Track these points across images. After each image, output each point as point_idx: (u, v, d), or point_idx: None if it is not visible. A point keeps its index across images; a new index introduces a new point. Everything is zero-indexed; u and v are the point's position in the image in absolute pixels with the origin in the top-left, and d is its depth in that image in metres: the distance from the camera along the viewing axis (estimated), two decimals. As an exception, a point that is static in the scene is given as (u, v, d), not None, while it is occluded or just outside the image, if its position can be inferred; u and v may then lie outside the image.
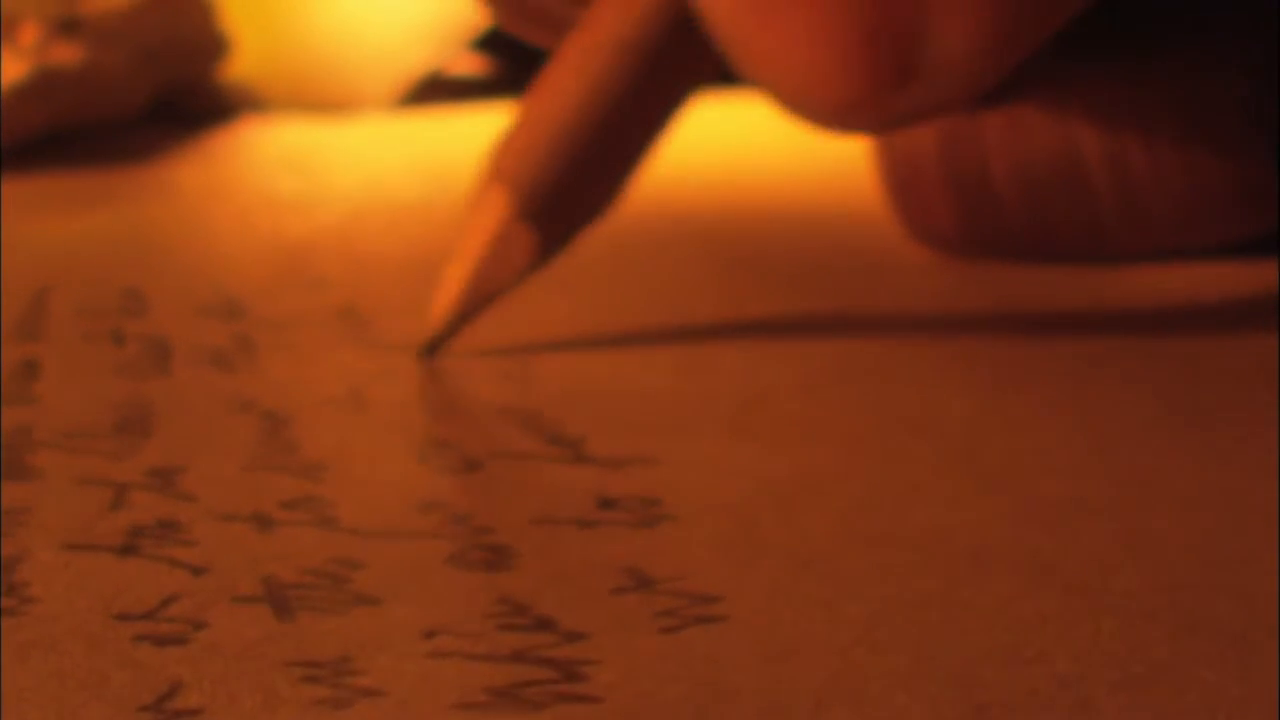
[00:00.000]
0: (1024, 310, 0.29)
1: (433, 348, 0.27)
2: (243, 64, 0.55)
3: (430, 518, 0.21)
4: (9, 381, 0.26)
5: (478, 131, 0.45)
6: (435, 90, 0.53)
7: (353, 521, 0.21)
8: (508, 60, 0.58)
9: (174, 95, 0.51)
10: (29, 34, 0.48)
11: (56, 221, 0.38)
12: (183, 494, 0.22)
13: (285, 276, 0.32)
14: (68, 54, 0.47)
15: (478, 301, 0.27)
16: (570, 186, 0.26)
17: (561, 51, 0.26)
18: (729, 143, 0.41)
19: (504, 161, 0.26)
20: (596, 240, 0.28)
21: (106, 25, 0.49)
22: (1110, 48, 0.30)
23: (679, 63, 0.26)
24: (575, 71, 0.26)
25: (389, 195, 0.39)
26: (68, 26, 0.48)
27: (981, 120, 0.31)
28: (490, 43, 0.55)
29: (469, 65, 0.58)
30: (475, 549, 0.20)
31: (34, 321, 0.30)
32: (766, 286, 0.31)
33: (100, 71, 0.47)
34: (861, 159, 0.33)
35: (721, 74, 0.25)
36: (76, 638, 0.18)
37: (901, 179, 0.32)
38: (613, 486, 0.22)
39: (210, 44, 0.54)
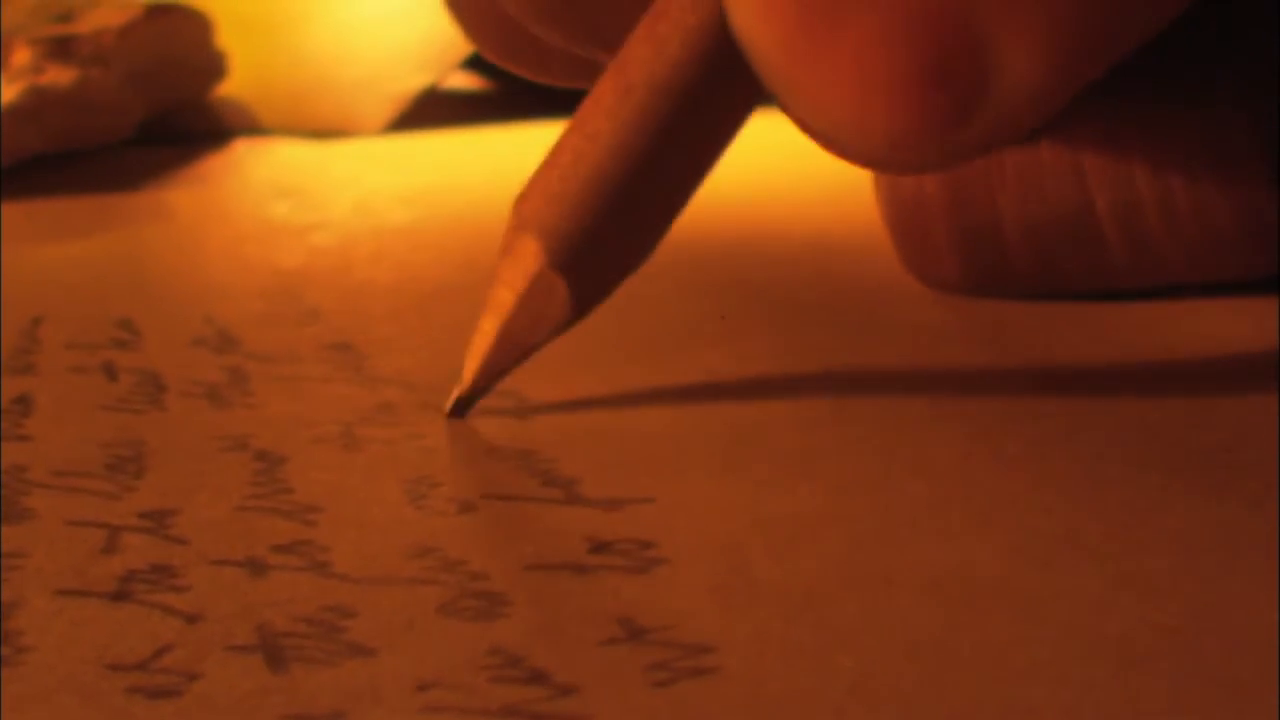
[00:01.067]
0: (1022, 346, 0.29)
1: (463, 407, 0.26)
2: (237, 84, 0.55)
3: (423, 563, 0.21)
4: (3, 418, 0.26)
5: (469, 155, 0.45)
6: (430, 108, 0.53)
7: (345, 567, 0.21)
8: (501, 78, 0.58)
9: (167, 116, 0.51)
10: (22, 56, 0.48)
11: (49, 248, 0.38)
12: (175, 537, 0.22)
13: (278, 308, 0.32)
14: (61, 75, 0.47)
15: (510, 358, 0.26)
16: (606, 236, 0.25)
17: (594, 92, 0.25)
18: (725, 170, 0.41)
19: (534, 208, 0.25)
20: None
21: (100, 46, 0.48)
22: (1122, 88, 0.30)
23: (719, 104, 0.24)
24: (608, 114, 0.24)
25: (380, 221, 0.39)
26: (61, 48, 0.48)
27: (993, 176, 0.31)
28: (484, 62, 0.55)
29: (463, 84, 0.58)
30: (468, 596, 0.20)
31: (26, 354, 0.30)
32: (762, 318, 0.31)
33: (93, 93, 0.47)
34: (862, 185, 0.33)
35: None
36: (70, 690, 0.18)
37: (906, 225, 0.32)
38: (606, 529, 0.22)
39: (204, 65, 0.54)
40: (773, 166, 0.37)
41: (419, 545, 0.21)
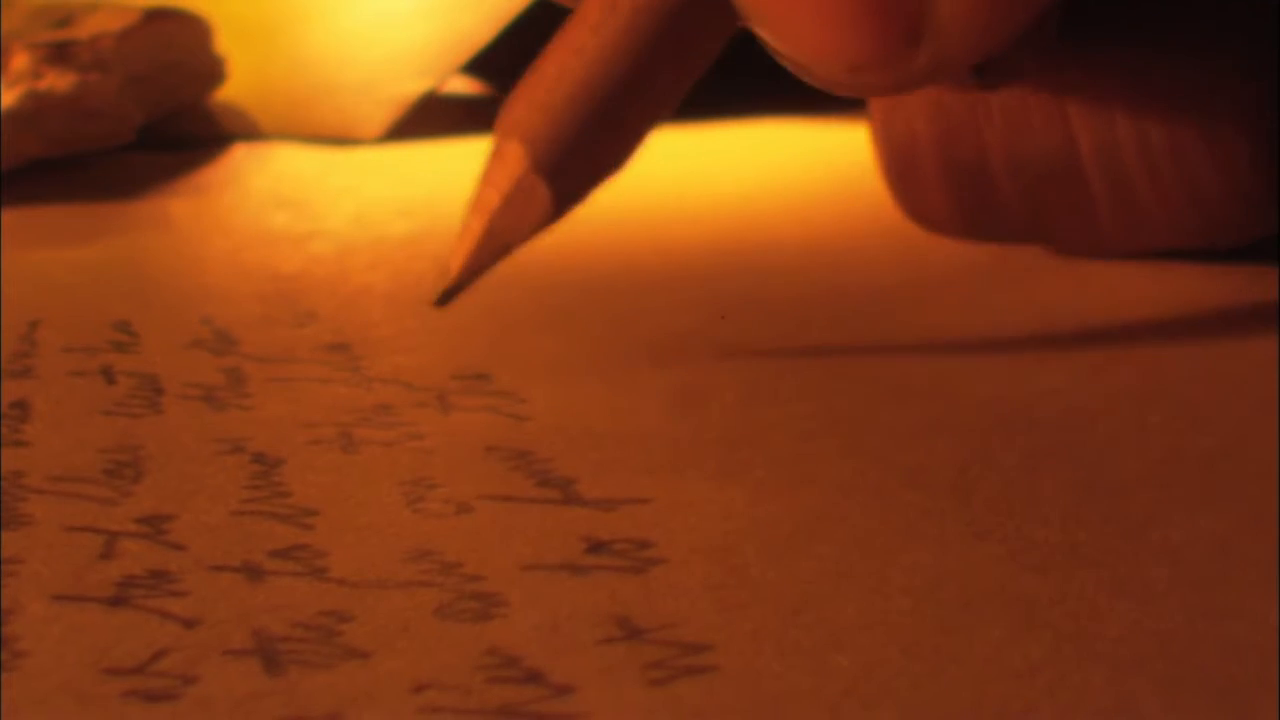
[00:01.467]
0: (1016, 344, 0.29)
1: (448, 297, 0.27)
2: (235, 89, 0.55)
3: (420, 566, 0.21)
4: (1, 423, 0.26)
5: (468, 164, 0.45)
6: (429, 113, 0.53)
7: (343, 571, 0.21)
8: (501, 82, 0.58)
9: (166, 121, 0.51)
10: (20, 61, 0.48)
11: (47, 253, 0.38)
12: (173, 542, 0.22)
13: (275, 310, 0.32)
14: (59, 81, 0.47)
15: (493, 253, 0.27)
16: (586, 144, 0.26)
17: (580, 9, 0.26)
18: (716, 174, 0.41)
19: (519, 116, 0.26)
20: (589, 274, 0.28)
21: (98, 52, 0.48)
22: (1113, 38, 0.30)
23: (697, 26, 0.26)
24: (592, 30, 0.26)
25: (379, 229, 0.39)
26: (59, 53, 0.48)
27: (979, 113, 0.31)
28: (483, 66, 0.55)
29: (462, 89, 0.58)
30: (465, 598, 0.20)
31: (24, 357, 0.30)
32: (759, 322, 0.31)
33: (92, 98, 0.47)
34: (861, 188, 0.34)
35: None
36: (67, 695, 0.18)
37: (898, 163, 0.32)
38: (603, 529, 0.22)
39: (203, 69, 0.54)
40: (771, 170, 0.37)
41: (416, 548, 0.21)
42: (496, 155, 0.27)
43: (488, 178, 0.27)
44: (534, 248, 0.34)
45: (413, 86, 0.54)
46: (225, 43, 0.54)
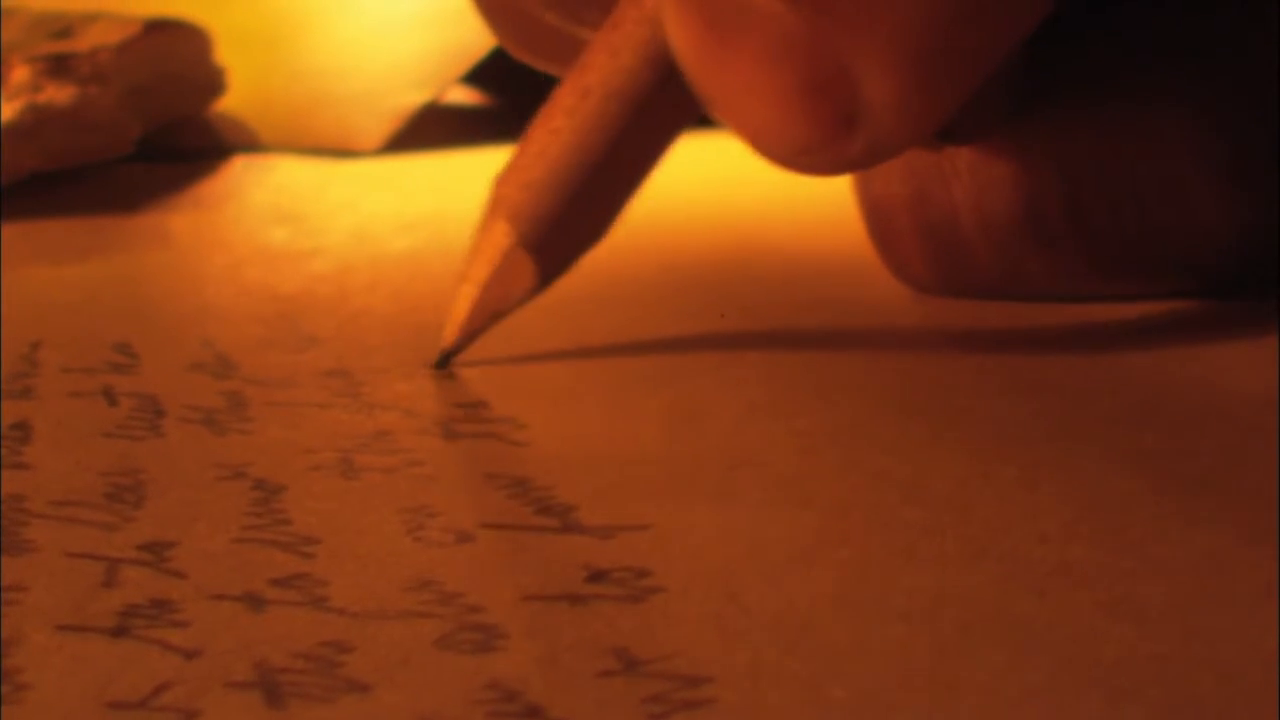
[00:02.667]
0: (1013, 366, 0.29)
1: (444, 361, 0.30)
2: (235, 100, 0.55)
3: (420, 596, 0.21)
4: (2, 445, 0.26)
5: (468, 177, 0.45)
6: (429, 124, 0.53)
7: (343, 601, 0.21)
8: (501, 93, 0.58)
9: (166, 132, 0.51)
10: (20, 74, 0.48)
11: (47, 271, 0.38)
12: (174, 570, 0.22)
13: (276, 333, 0.32)
14: (59, 93, 0.47)
15: (485, 320, 0.29)
16: (567, 220, 0.28)
17: (557, 93, 0.28)
18: (715, 184, 0.41)
19: (506, 194, 0.29)
20: (591, 291, 0.28)
21: (98, 64, 0.49)
22: (1075, 87, 0.30)
23: (664, 110, 0.28)
24: (568, 114, 0.28)
25: (378, 246, 0.39)
26: (59, 66, 0.48)
27: (948, 172, 0.31)
28: (483, 76, 0.55)
29: (463, 99, 0.58)
30: (465, 630, 0.20)
31: (25, 378, 0.30)
32: (757, 337, 0.31)
33: (92, 110, 0.48)
34: (847, 198, 0.34)
35: (703, 117, 0.27)
36: (69, 729, 0.18)
37: (878, 223, 0.33)
38: (603, 557, 0.22)
39: (203, 80, 0.54)
40: (764, 187, 0.37)
41: (416, 578, 0.21)
42: (485, 231, 0.29)
43: (478, 251, 0.29)
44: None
45: (412, 97, 0.54)
46: (225, 53, 0.55)
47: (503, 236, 0.29)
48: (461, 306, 0.29)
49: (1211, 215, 0.30)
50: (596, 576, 0.21)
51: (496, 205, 0.29)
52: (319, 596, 0.21)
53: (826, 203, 0.37)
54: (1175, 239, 0.30)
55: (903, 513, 0.23)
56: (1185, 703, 0.18)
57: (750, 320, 0.32)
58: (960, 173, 0.31)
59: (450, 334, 0.30)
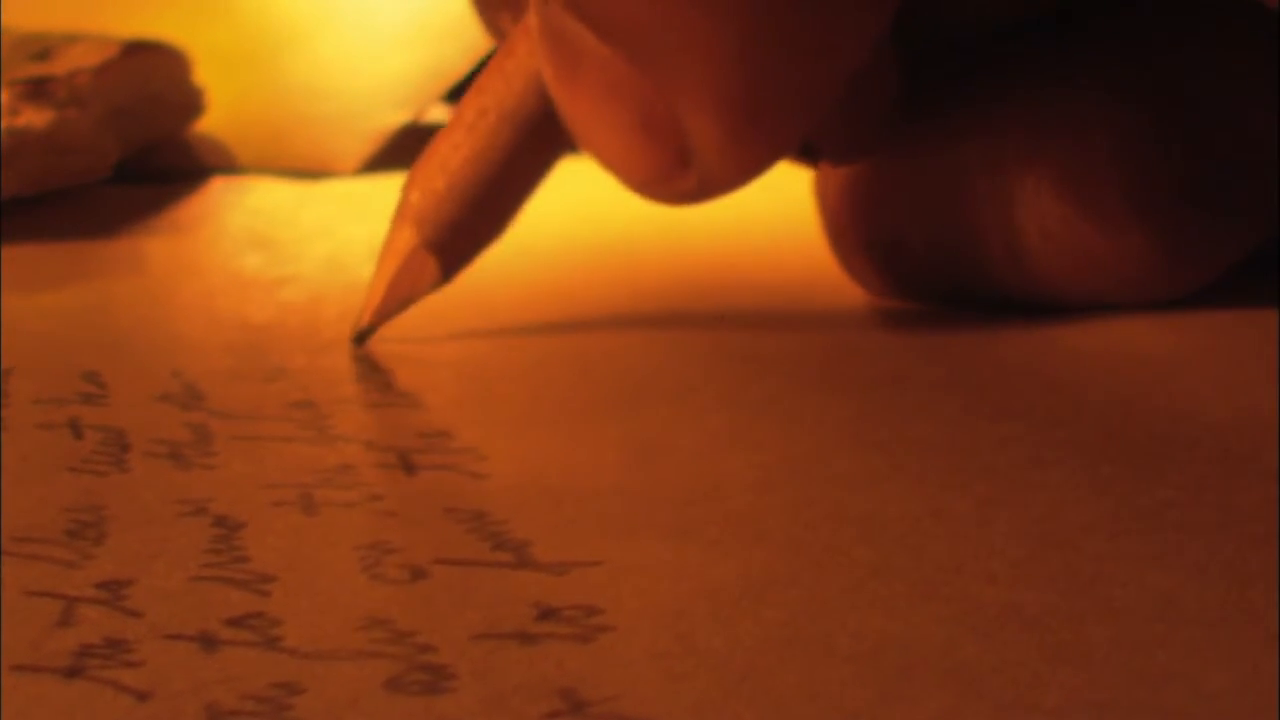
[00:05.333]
0: (974, 390, 0.29)
1: (360, 340, 0.34)
2: (214, 120, 0.55)
3: (372, 635, 0.21)
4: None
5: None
6: (409, 144, 0.53)
7: (296, 640, 0.21)
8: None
9: (144, 154, 0.51)
10: (-2, 97, 0.48)
11: (20, 299, 0.38)
12: (131, 609, 0.22)
13: (245, 364, 0.33)
14: (37, 117, 0.47)
15: (396, 305, 0.33)
16: (465, 224, 0.32)
17: (459, 109, 0.32)
18: (683, 219, 0.41)
19: (411, 200, 0.33)
20: (560, 315, 0.28)
21: (76, 86, 0.49)
22: (999, 112, 0.31)
23: (551, 130, 0.30)
24: (468, 130, 0.32)
25: (352, 274, 0.39)
26: (37, 89, 0.48)
27: (890, 190, 0.32)
28: (463, 96, 0.55)
29: (443, 118, 0.58)
30: (415, 670, 0.20)
31: (-6, 409, 0.30)
32: (719, 370, 0.31)
33: (70, 133, 0.48)
34: (811, 214, 0.34)
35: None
36: (17, 775, 0.18)
37: (833, 236, 0.34)
38: (554, 594, 0.22)
39: (182, 102, 0.54)
40: (726, 209, 0.37)
41: (369, 616, 0.22)
42: (394, 232, 0.33)
43: (387, 249, 0.33)
44: (506, 292, 0.34)
45: (392, 118, 0.54)
46: (205, 74, 0.55)
47: (408, 238, 0.33)
48: (374, 296, 0.33)
49: (1137, 238, 0.30)
50: (547, 614, 0.21)
51: (403, 210, 0.33)
52: (273, 636, 0.21)
53: (791, 219, 0.37)
54: (1099, 258, 0.30)
55: (855, 552, 0.23)
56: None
57: (712, 345, 0.32)
58: (902, 191, 0.32)
59: (364, 318, 0.33)
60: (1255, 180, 0.31)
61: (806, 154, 0.32)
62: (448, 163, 0.32)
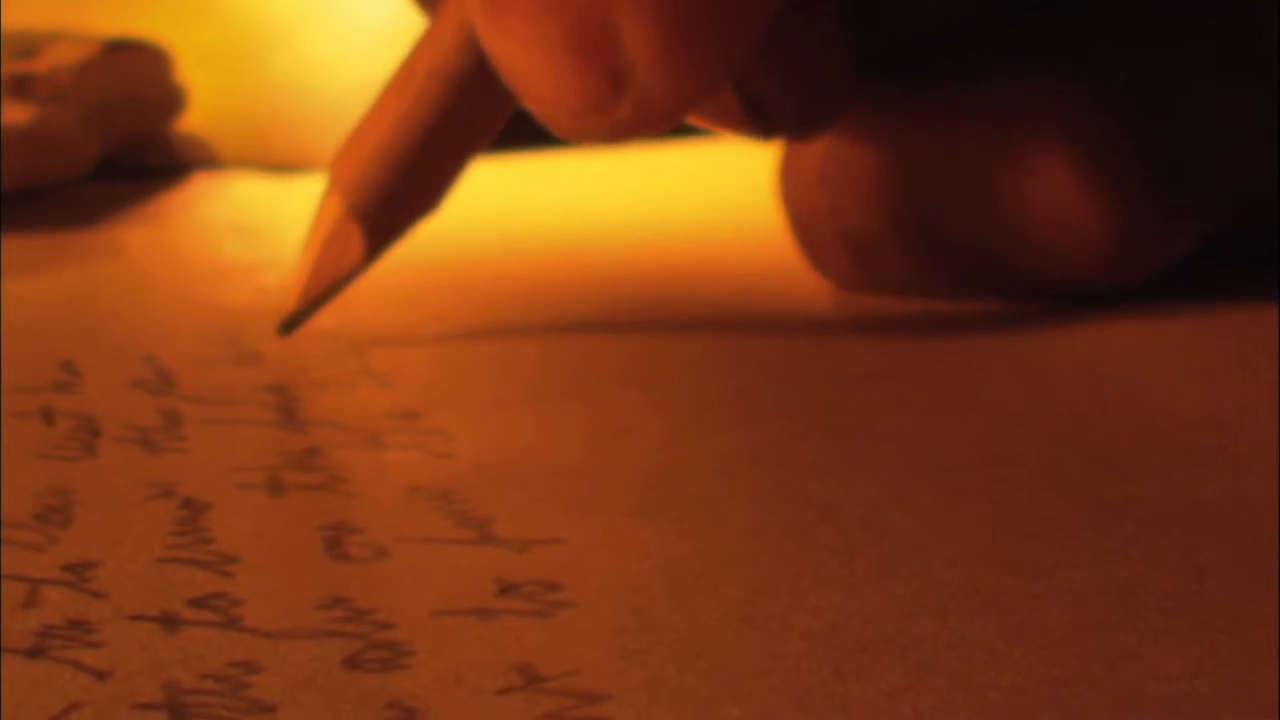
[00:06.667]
0: (941, 383, 0.29)
1: (288, 327, 0.32)
2: (197, 118, 0.55)
3: (332, 614, 0.21)
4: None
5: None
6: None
7: (256, 620, 0.21)
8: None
9: (126, 151, 0.51)
10: (-22, 95, 0.48)
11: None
12: (95, 591, 0.22)
13: (218, 349, 0.33)
14: (19, 114, 0.47)
15: (322, 289, 0.31)
16: (394, 192, 0.30)
17: (394, 73, 0.30)
18: (647, 197, 0.41)
19: (339, 168, 0.31)
20: (532, 305, 0.28)
21: (58, 83, 0.49)
22: (955, 100, 0.31)
23: (485, 91, 0.29)
24: (396, 92, 0.30)
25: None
26: (18, 86, 0.48)
27: (861, 181, 0.32)
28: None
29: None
30: (373, 647, 0.20)
31: (-32, 398, 0.30)
32: (684, 359, 0.31)
33: (52, 130, 0.48)
34: (766, 208, 0.34)
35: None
36: (-26, 751, 0.18)
37: (800, 230, 0.34)
38: (515, 571, 0.22)
39: (164, 99, 0.54)
40: (694, 203, 0.37)
41: (330, 595, 0.22)
42: (322, 205, 0.31)
43: (316, 222, 0.31)
44: (482, 282, 0.34)
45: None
46: (188, 72, 0.55)
47: (334, 207, 0.31)
48: (300, 275, 0.31)
49: (1094, 229, 0.30)
50: (507, 590, 0.21)
51: (332, 180, 0.31)
52: (233, 616, 0.21)
53: (760, 213, 0.37)
54: (1062, 250, 0.31)
55: (816, 533, 0.23)
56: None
57: (681, 336, 0.32)
58: (869, 181, 0.32)
59: (292, 300, 0.32)
60: (1207, 169, 0.31)
61: (762, 124, 0.32)
62: (376, 127, 0.30)
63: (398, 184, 0.30)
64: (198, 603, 0.22)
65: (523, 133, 0.30)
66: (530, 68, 0.26)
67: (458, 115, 0.30)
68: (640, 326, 0.33)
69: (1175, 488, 0.24)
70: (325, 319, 0.34)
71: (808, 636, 0.20)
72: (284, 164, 0.52)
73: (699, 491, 0.25)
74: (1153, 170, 0.30)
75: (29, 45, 0.52)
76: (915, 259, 0.32)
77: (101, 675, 0.20)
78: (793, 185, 0.33)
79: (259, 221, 0.45)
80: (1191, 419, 0.27)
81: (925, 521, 0.23)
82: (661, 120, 0.27)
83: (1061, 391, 0.29)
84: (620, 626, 0.20)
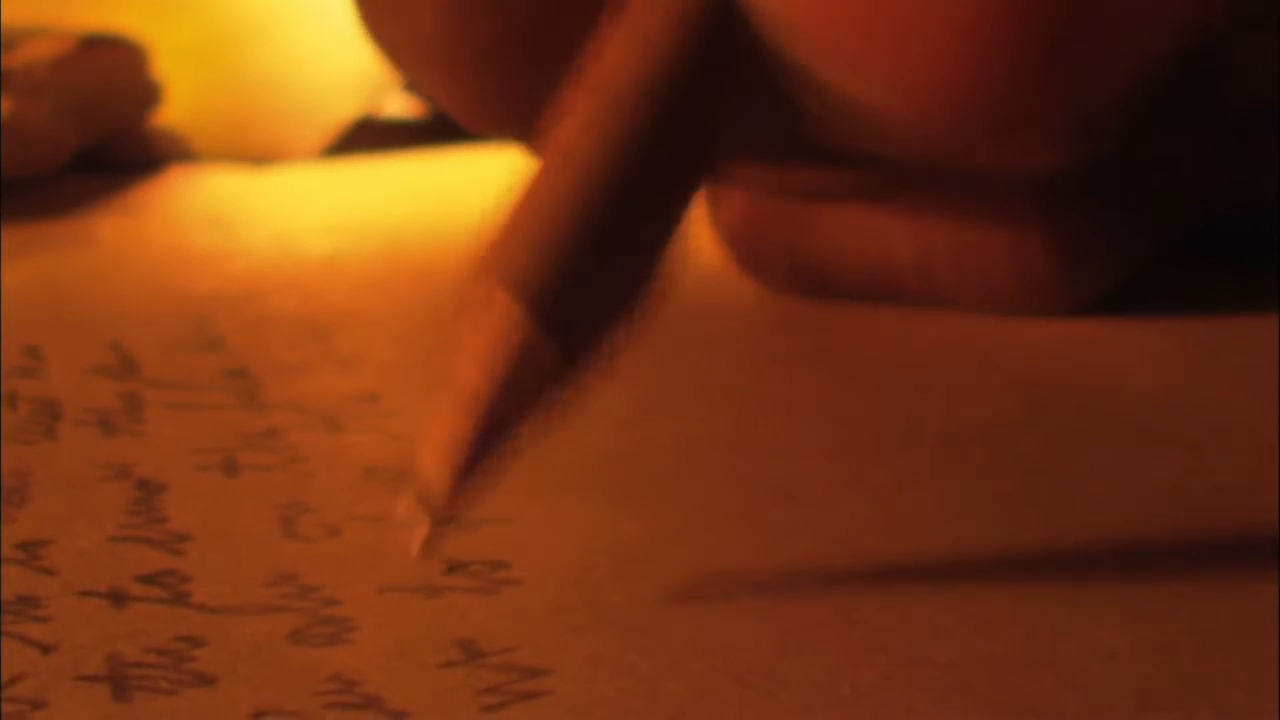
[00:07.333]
0: (898, 370, 0.29)
1: (440, 522, 0.20)
2: (174, 113, 0.55)
3: (280, 590, 0.21)
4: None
5: (399, 181, 0.46)
6: (366, 134, 0.53)
7: (204, 596, 0.21)
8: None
9: (102, 145, 0.51)
10: (-46, 89, 0.48)
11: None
12: (46, 568, 0.22)
13: (182, 334, 0.33)
14: (-6, 107, 0.47)
15: (492, 453, 0.20)
16: (596, 277, 0.20)
17: (566, 102, 0.21)
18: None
19: (503, 257, 0.20)
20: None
21: (33, 78, 0.49)
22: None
23: (711, 94, 0.21)
24: (582, 130, 0.21)
25: (299, 249, 0.39)
26: (-7, 80, 0.48)
27: (812, 221, 0.31)
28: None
29: (402, 108, 0.58)
30: (318, 623, 0.20)
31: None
32: (649, 340, 0.31)
33: (27, 124, 0.48)
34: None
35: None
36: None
37: (738, 247, 0.33)
38: (463, 549, 0.22)
39: (140, 94, 0.54)
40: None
41: (280, 572, 0.22)
42: (477, 315, 0.20)
43: (467, 349, 0.20)
44: (447, 266, 0.34)
45: (348, 109, 0.54)
46: (165, 66, 0.55)
47: (505, 319, 0.20)
48: (453, 437, 0.20)
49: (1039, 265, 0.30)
50: (454, 568, 0.21)
51: (489, 277, 0.20)
52: (182, 592, 0.21)
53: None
54: (1009, 288, 0.30)
55: (770, 514, 0.23)
56: (1017, 698, 0.18)
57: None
58: (823, 223, 0.31)
59: (439, 477, 0.20)
60: (1154, 192, 0.31)
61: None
62: (557, 184, 0.20)
63: (603, 267, 0.20)
64: (147, 579, 0.22)
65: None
66: (926, 50, 0.19)
67: (674, 143, 0.21)
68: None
69: (1129, 469, 0.24)
70: (289, 304, 0.34)
71: (751, 615, 0.20)
72: (259, 157, 0.52)
73: (655, 472, 0.25)
74: (1099, 197, 0.30)
75: (6, 40, 0.52)
76: (856, 285, 0.32)
77: (47, 649, 0.20)
78: (724, 219, 0.33)
79: (231, 212, 0.45)
80: (1146, 399, 0.27)
81: (877, 501, 0.23)
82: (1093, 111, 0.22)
83: (1015, 374, 0.29)
84: (564, 604, 0.20)
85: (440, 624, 0.20)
